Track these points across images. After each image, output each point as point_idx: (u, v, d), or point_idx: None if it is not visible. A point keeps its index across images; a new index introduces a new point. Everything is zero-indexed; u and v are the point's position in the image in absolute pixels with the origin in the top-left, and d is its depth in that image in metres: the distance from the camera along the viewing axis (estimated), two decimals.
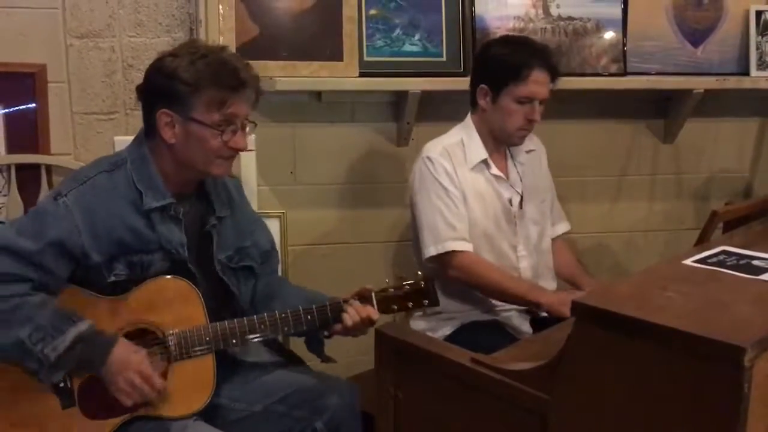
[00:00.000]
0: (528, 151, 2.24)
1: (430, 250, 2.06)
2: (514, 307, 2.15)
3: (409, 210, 2.23)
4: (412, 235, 2.22)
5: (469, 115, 2.19)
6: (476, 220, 2.11)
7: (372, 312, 1.71)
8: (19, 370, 1.57)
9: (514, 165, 2.20)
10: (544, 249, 2.26)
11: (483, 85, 2.10)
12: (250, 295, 1.84)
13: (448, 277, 2.06)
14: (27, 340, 1.50)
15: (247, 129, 1.69)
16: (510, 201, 2.16)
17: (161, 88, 1.63)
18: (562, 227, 2.36)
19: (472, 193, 2.11)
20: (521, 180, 2.19)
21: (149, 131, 1.69)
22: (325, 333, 1.77)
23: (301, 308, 1.70)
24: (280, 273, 2.14)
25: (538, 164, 2.28)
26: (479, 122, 2.15)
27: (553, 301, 1.95)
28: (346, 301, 1.72)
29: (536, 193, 2.22)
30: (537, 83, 2.05)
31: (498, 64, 2.07)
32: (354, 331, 1.72)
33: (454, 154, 2.11)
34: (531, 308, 2.08)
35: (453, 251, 2.04)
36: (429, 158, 2.10)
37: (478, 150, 2.13)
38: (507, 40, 2.20)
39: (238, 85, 1.63)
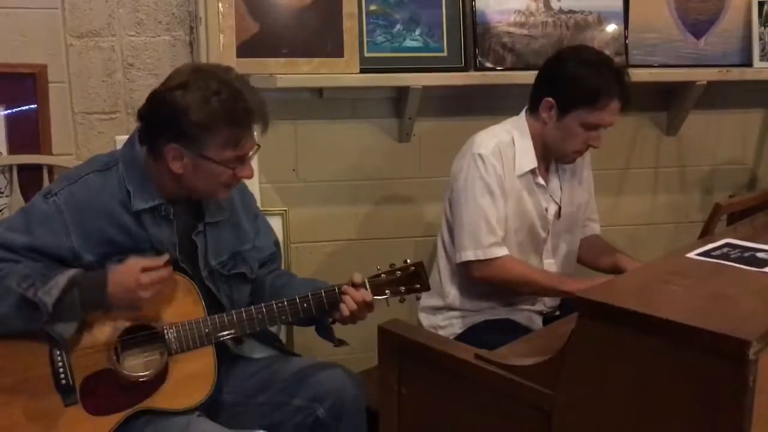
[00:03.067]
0: None
1: (468, 254, 1.99)
2: (527, 307, 2.14)
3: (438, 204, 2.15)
4: (443, 225, 2.15)
5: (524, 113, 2.09)
6: (512, 226, 2.05)
7: (366, 295, 1.70)
8: (21, 368, 1.58)
9: (557, 171, 2.14)
10: (571, 254, 2.22)
11: (550, 98, 1.99)
12: (246, 300, 1.82)
13: (479, 278, 2.03)
14: (17, 287, 1.51)
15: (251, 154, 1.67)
16: (546, 210, 2.10)
17: (171, 124, 1.58)
18: (591, 229, 2.29)
19: (514, 200, 2.04)
20: (561, 189, 2.13)
21: (149, 150, 1.66)
22: (330, 320, 1.76)
23: (297, 297, 1.70)
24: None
25: (580, 167, 2.20)
26: (535, 129, 2.05)
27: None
28: (340, 288, 1.71)
29: (572, 200, 2.16)
30: (611, 112, 1.96)
31: (575, 84, 1.95)
32: (353, 317, 1.71)
33: (505, 155, 2.02)
34: (564, 298, 2.05)
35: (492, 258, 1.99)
36: (481, 156, 2.00)
37: (528, 157, 2.04)
38: (587, 58, 2.00)
39: (250, 121, 1.61)
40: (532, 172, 2.06)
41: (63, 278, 1.53)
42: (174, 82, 1.61)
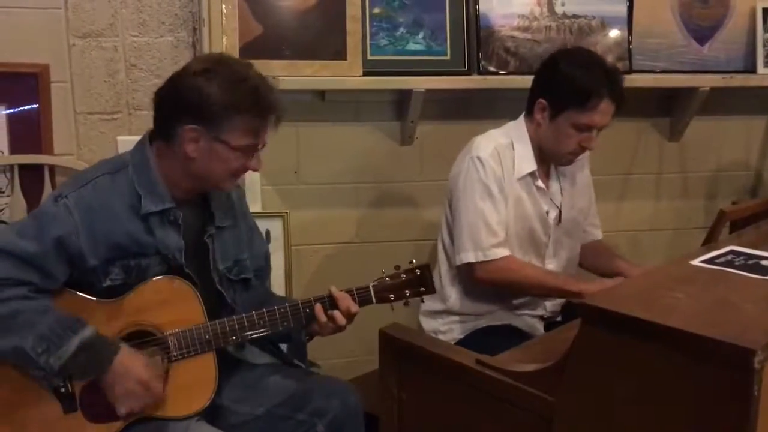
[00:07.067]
0: None
1: (469, 255, 1.99)
2: (528, 311, 2.13)
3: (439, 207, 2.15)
4: (444, 228, 2.15)
5: (522, 117, 2.09)
6: (513, 229, 2.04)
7: (352, 305, 1.69)
8: (19, 376, 1.57)
9: (557, 176, 2.13)
10: (572, 259, 2.21)
11: (542, 100, 1.99)
12: (246, 309, 1.80)
13: (480, 280, 2.01)
14: (31, 351, 1.49)
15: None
16: (547, 213, 2.10)
17: (194, 106, 1.59)
18: (593, 235, 2.28)
19: (513, 202, 2.03)
20: (561, 193, 2.13)
21: (162, 136, 1.66)
22: (306, 336, 1.77)
23: (299, 301, 1.70)
24: (283, 274, 2.12)
25: (580, 172, 2.19)
26: (533, 133, 2.05)
27: (594, 290, 1.85)
28: (317, 299, 1.71)
29: (573, 204, 2.16)
30: (602, 113, 1.94)
31: (565, 84, 1.95)
32: (335, 327, 1.71)
33: (504, 158, 2.02)
34: (571, 299, 2.03)
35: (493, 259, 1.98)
36: (479, 158, 2.00)
37: (528, 160, 2.04)
38: (579, 59, 2.00)
39: (270, 113, 1.63)
40: (532, 175, 2.06)
41: (76, 341, 1.51)
42: (197, 67, 1.62)
